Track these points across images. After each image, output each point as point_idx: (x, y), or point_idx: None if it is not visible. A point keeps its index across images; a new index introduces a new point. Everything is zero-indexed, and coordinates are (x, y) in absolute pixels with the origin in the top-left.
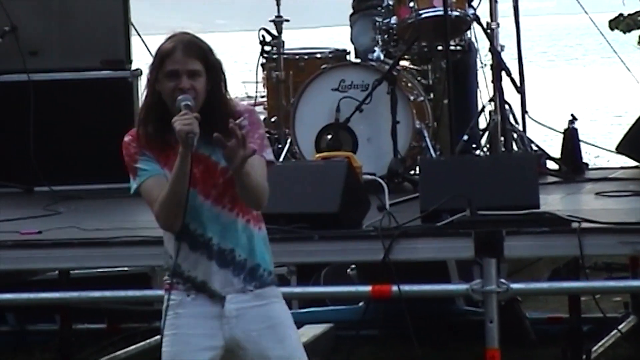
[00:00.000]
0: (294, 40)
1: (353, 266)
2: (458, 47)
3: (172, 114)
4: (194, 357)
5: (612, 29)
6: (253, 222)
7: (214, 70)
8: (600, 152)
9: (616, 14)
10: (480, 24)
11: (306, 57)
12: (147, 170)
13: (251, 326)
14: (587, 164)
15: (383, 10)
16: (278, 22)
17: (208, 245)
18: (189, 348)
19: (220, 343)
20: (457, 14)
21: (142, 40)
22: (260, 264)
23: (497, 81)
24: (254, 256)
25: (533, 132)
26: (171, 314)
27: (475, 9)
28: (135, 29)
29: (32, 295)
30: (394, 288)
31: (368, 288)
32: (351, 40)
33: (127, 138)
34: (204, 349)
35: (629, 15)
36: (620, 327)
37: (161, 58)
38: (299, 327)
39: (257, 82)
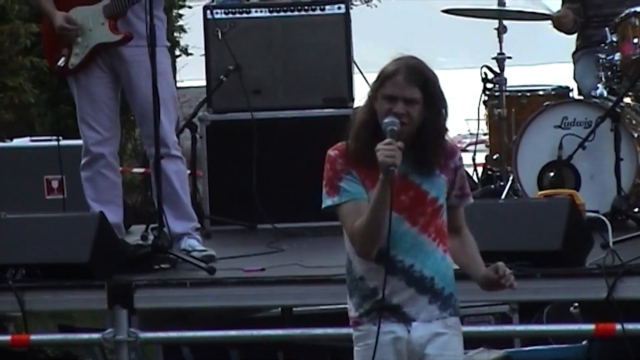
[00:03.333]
0: (516, 77)
1: (576, 304)
2: None
3: (383, 137)
4: None
5: None
6: (448, 253)
7: (433, 100)
8: None
9: None
10: None
11: (528, 94)
12: (350, 192)
13: (428, 350)
14: None
15: (606, 47)
16: (500, 59)
17: (409, 271)
18: None
19: None
20: None
21: (364, 78)
22: (453, 294)
23: None
24: (450, 285)
25: None
26: (361, 345)
27: None
28: (358, 67)
29: (255, 332)
30: (618, 327)
31: (591, 326)
32: (574, 77)
33: (333, 152)
34: None
35: None
36: None
37: (383, 79)
38: None
39: (479, 120)
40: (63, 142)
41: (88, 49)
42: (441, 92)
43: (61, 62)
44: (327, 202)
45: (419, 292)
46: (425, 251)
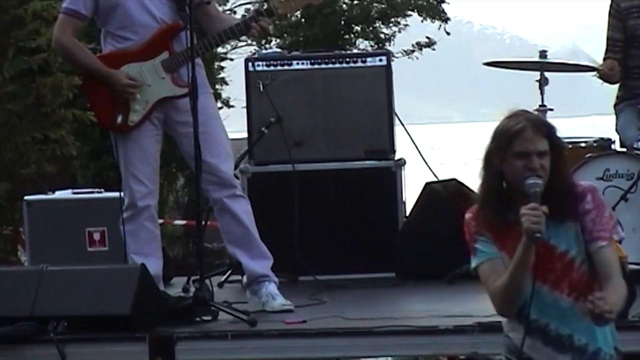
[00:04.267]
0: (558, 129)
1: None
2: None
3: (511, 196)
4: None
5: None
6: None
7: (557, 149)
8: None
9: None
10: None
11: (570, 146)
12: (485, 253)
13: None
14: None
15: None
16: (542, 111)
17: (544, 330)
18: None
19: None
20: None
21: (405, 130)
22: (601, 348)
23: None
24: (596, 340)
25: None
26: None
27: None
28: (399, 119)
29: None
30: None
31: None
32: (616, 129)
33: (468, 215)
34: None
35: None
36: None
37: (511, 137)
38: None
39: None
40: (106, 194)
41: (150, 104)
42: (562, 140)
43: (120, 119)
44: (472, 264)
45: (558, 351)
46: (560, 308)
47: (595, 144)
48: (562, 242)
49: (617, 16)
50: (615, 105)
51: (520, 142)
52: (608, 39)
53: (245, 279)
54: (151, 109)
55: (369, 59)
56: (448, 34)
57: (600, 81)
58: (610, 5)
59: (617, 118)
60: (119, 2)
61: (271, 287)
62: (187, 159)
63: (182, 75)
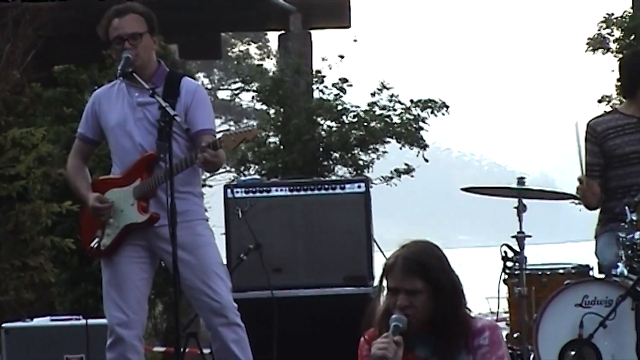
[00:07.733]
0: (536, 255)
1: None
2: None
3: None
4: None
5: None
6: None
7: (439, 287)
8: None
9: None
10: None
11: (549, 272)
12: None
13: None
14: None
15: (626, 226)
16: (520, 237)
17: None
18: None
19: None
20: None
21: (384, 256)
22: None
23: None
24: None
25: None
26: None
27: None
28: (378, 246)
29: None
30: None
31: None
32: (595, 252)
33: (363, 338)
34: None
35: None
36: None
37: (384, 272)
38: None
39: (499, 298)
40: (84, 321)
41: (118, 229)
42: (448, 274)
43: (94, 243)
44: None
45: None
46: None
47: (573, 271)
48: None
49: (594, 141)
50: (597, 226)
51: (390, 279)
52: (586, 164)
53: None
54: (121, 235)
55: (347, 186)
56: (426, 160)
57: (579, 208)
58: (587, 132)
59: (596, 241)
60: (109, 126)
61: None
62: (182, 286)
63: (158, 202)
